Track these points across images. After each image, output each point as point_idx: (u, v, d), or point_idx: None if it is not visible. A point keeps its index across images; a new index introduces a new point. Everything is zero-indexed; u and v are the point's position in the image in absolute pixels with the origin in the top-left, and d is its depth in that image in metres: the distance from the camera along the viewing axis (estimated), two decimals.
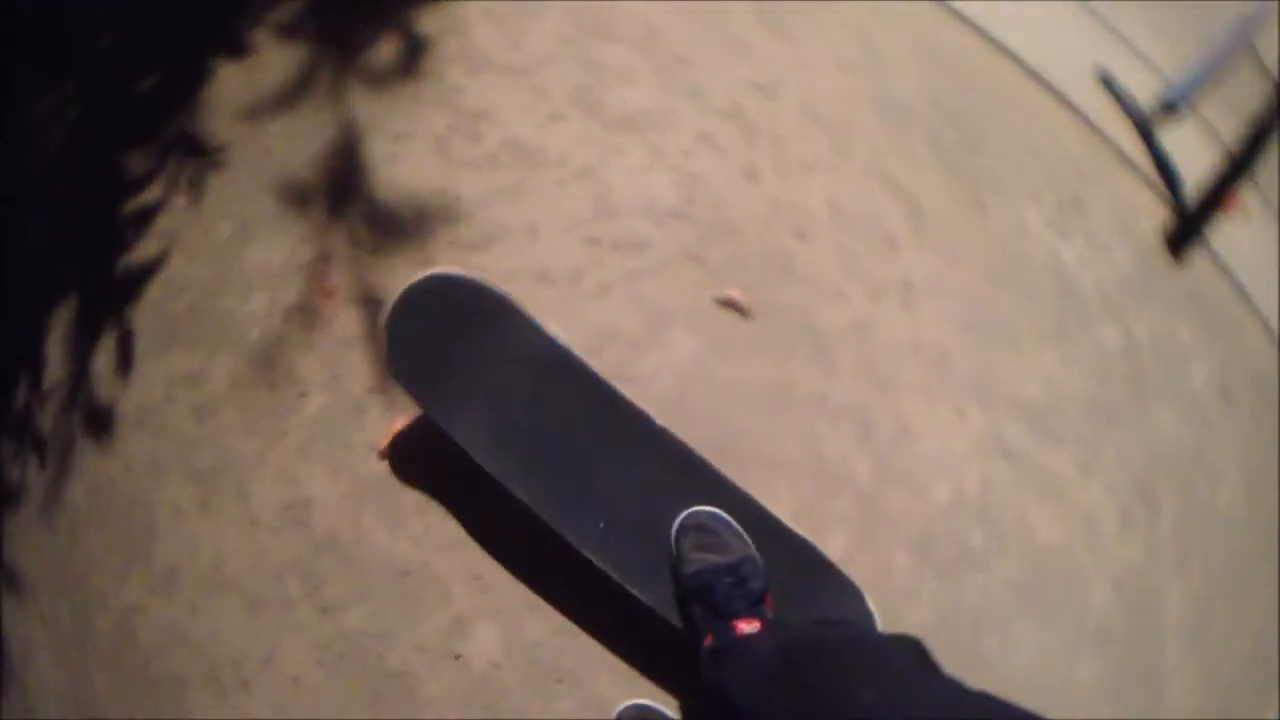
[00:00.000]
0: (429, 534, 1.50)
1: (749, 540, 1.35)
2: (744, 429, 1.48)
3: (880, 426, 1.48)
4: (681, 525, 1.35)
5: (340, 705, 1.57)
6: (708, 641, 1.28)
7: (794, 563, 1.37)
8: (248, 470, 1.58)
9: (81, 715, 1.76)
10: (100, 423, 1.70)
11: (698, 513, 1.36)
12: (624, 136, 1.55)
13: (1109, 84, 1.62)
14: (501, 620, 1.48)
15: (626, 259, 1.52)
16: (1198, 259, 1.58)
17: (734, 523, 1.35)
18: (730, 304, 1.51)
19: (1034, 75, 1.62)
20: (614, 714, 1.39)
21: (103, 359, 1.67)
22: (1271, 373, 1.60)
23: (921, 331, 1.52)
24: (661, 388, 1.48)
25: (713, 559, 1.32)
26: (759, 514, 1.37)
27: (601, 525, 1.36)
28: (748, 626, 1.25)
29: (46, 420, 1.76)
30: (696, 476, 1.38)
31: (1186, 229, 1.57)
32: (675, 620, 1.35)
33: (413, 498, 1.51)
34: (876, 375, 1.50)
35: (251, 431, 1.57)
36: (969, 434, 1.48)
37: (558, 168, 1.55)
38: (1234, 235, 1.59)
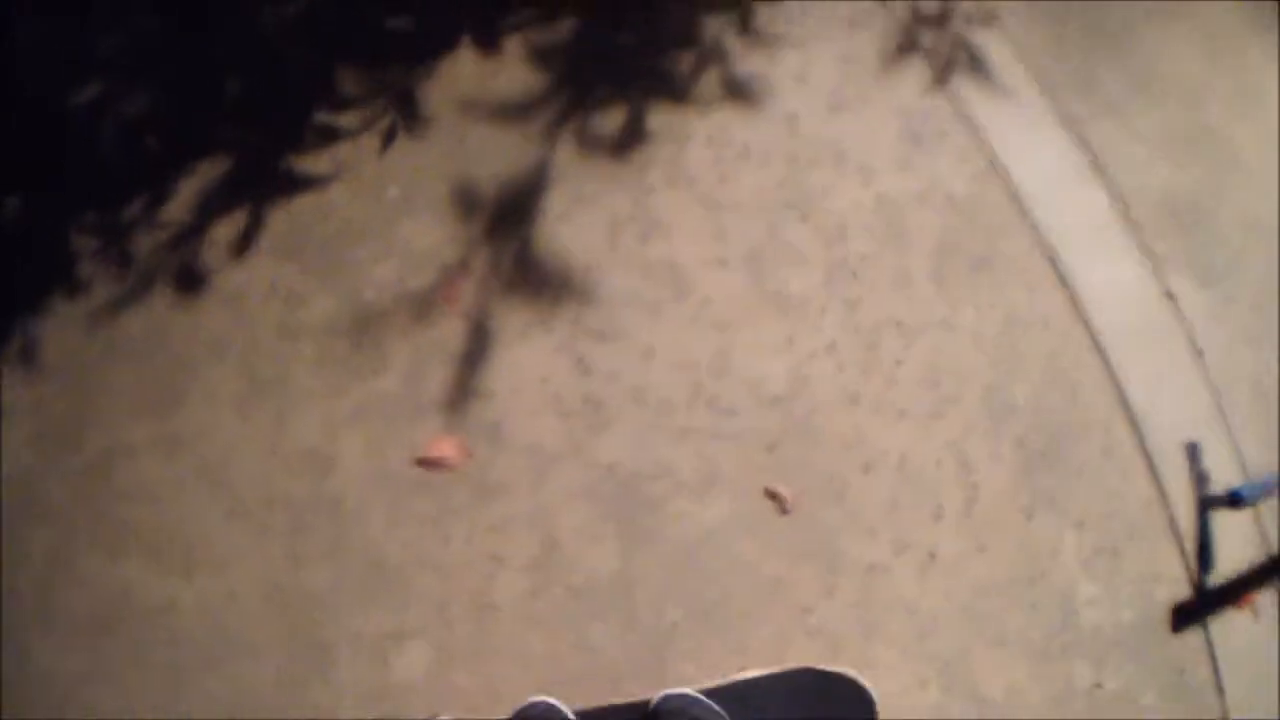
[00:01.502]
0: (419, 547, 1.58)
1: None
2: (730, 602, 1.58)
3: (844, 660, 1.57)
4: (657, 711, 1.34)
5: (253, 646, 1.64)
6: None
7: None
8: (296, 402, 1.66)
9: (20, 499, 1.81)
10: (192, 278, 1.77)
11: (672, 697, 1.36)
12: (769, 312, 1.65)
13: (1193, 456, 1.70)
14: (441, 657, 1.56)
15: (714, 416, 1.61)
16: (1192, 637, 1.66)
17: (715, 708, 1.37)
18: (775, 497, 1.61)
19: (1133, 421, 1.71)
20: (513, 711, 1.43)
21: (226, 229, 1.75)
22: None
23: (923, 598, 1.61)
24: (681, 533, 1.58)
25: None
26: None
27: None
28: None
29: (144, 243, 1.83)
30: None
31: (1197, 609, 1.65)
32: None
33: (423, 512, 1.59)
34: (864, 617, 1.59)
35: (318, 373, 1.66)
36: (920, 702, 1.57)
37: (699, 307, 1.65)
38: (1235, 629, 1.68)
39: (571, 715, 1.41)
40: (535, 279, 1.67)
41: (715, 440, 1.63)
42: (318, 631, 1.63)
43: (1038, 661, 1.64)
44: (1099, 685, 1.64)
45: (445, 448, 1.58)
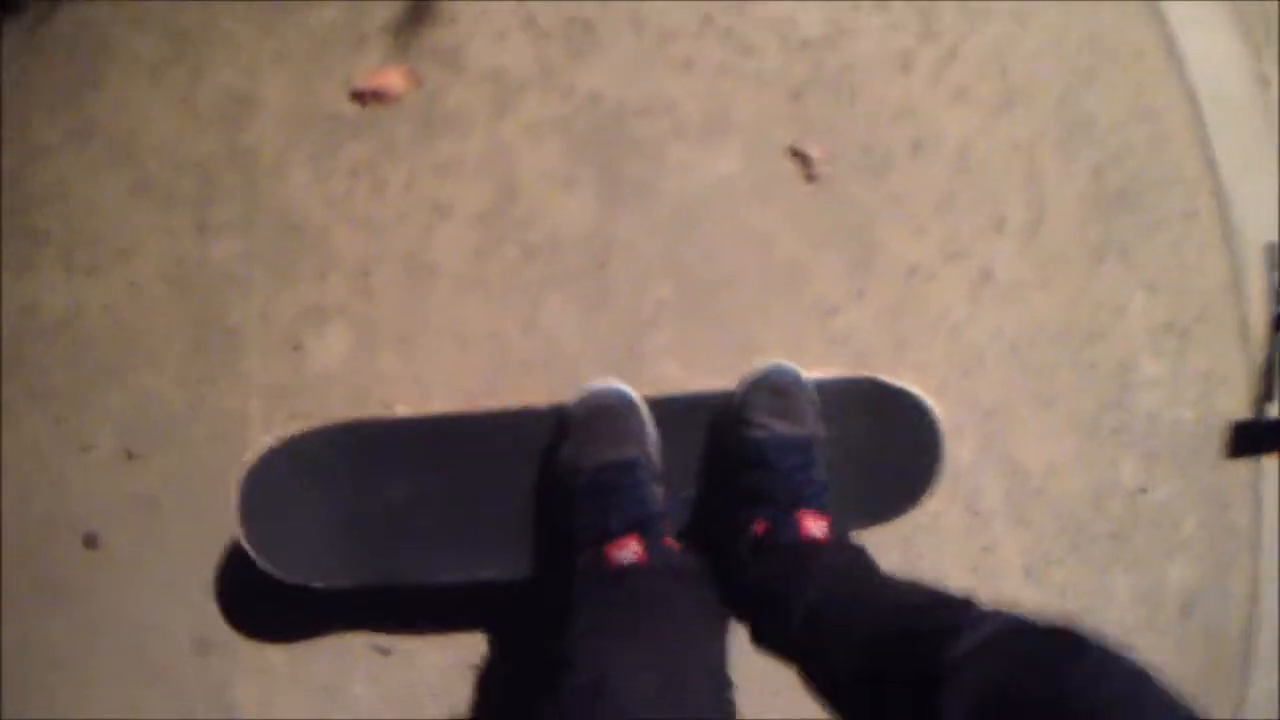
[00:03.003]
0: (346, 203, 1.25)
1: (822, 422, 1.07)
2: (734, 286, 1.20)
3: (864, 369, 1.17)
4: (757, 383, 1.05)
5: (160, 331, 1.33)
6: (758, 530, 0.98)
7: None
8: (215, 52, 1.36)
9: None
10: None
11: (783, 371, 1.06)
12: None
13: (1272, 262, 1.34)
14: (358, 333, 1.22)
15: (730, 52, 1.25)
16: (1242, 471, 1.27)
17: (813, 393, 1.06)
18: (802, 158, 1.23)
19: (1219, 194, 1.34)
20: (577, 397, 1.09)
21: None
22: (1235, 619, 1.28)
23: (971, 324, 1.22)
24: (678, 188, 1.20)
25: (782, 428, 1.02)
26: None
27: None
28: (814, 526, 0.96)
29: None
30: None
31: (1253, 439, 1.32)
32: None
33: (354, 157, 1.26)
34: (898, 331, 1.20)
35: (248, 18, 1.36)
36: (951, 456, 1.16)
37: None
38: None
39: (642, 405, 1.07)
40: None
41: (728, 77, 1.26)
42: (225, 316, 1.31)
43: (1085, 438, 1.25)
44: (1144, 490, 1.26)
45: (388, 77, 1.25)
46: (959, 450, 1.21)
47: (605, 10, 1.29)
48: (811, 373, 1.09)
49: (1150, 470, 1.29)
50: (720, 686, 0.83)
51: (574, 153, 1.23)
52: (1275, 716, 1.28)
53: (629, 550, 0.94)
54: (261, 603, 1.23)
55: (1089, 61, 1.33)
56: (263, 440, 1.15)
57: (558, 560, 1.05)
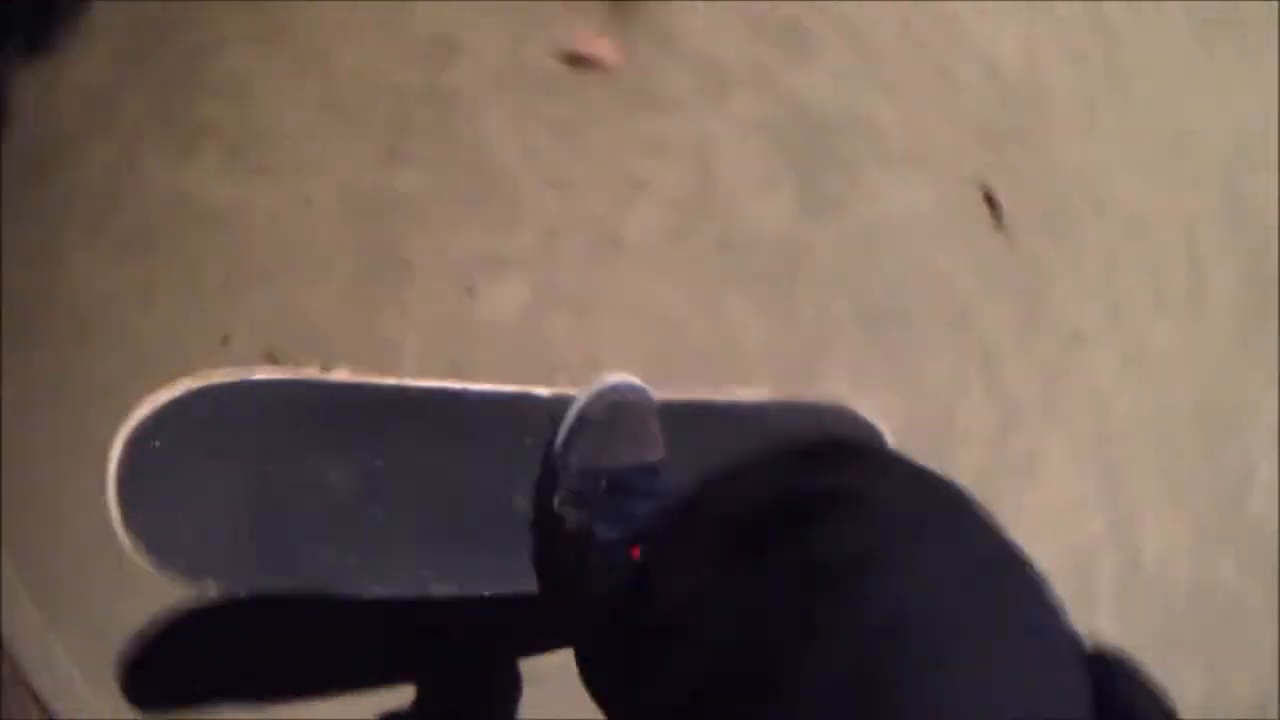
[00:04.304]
0: (543, 160, 1.27)
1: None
2: (908, 316, 1.23)
3: (1013, 435, 1.20)
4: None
5: (326, 246, 1.35)
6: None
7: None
8: None
9: (89, 118, 1.57)
10: None
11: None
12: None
13: None
14: (535, 290, 1.24)
15: (935, 80, 1.27)
16: None
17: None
18: (993, 204, 1.26)
19: None
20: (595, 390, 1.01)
21: None
22: None
23: (1119, 396, 1.26)
24: (870, 211, 1.24)
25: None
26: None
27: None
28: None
29: None
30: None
31: None
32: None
33: (557, 116, 1.27)
34: (1049, 390, 1.24)
35: None
36: (1069, 521, 1.20)
37: None
38: None
39: (657, 404, 1.00)
40: None
41: (930, 108, 1.28)
42: (402, 244, 1.32)
43: (1198, 530, 1.28)
44: (1236, 595, 1.28)
45: (601, 45, 1.26)
46: (1087, 521, 1.25)
47: (823, 19, 1.31)
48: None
49: (1245, 575, 1.33)
50: None
51: (778, 156, 1.26)
52: None
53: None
54: None
55: (1262, 148, 1.36)
56: (164, 392, 0.93)
57: (557, 567, 0.93)
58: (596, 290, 1.23)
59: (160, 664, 1.52)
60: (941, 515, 0.51)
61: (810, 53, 1.29)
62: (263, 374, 0.96)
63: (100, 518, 1.68)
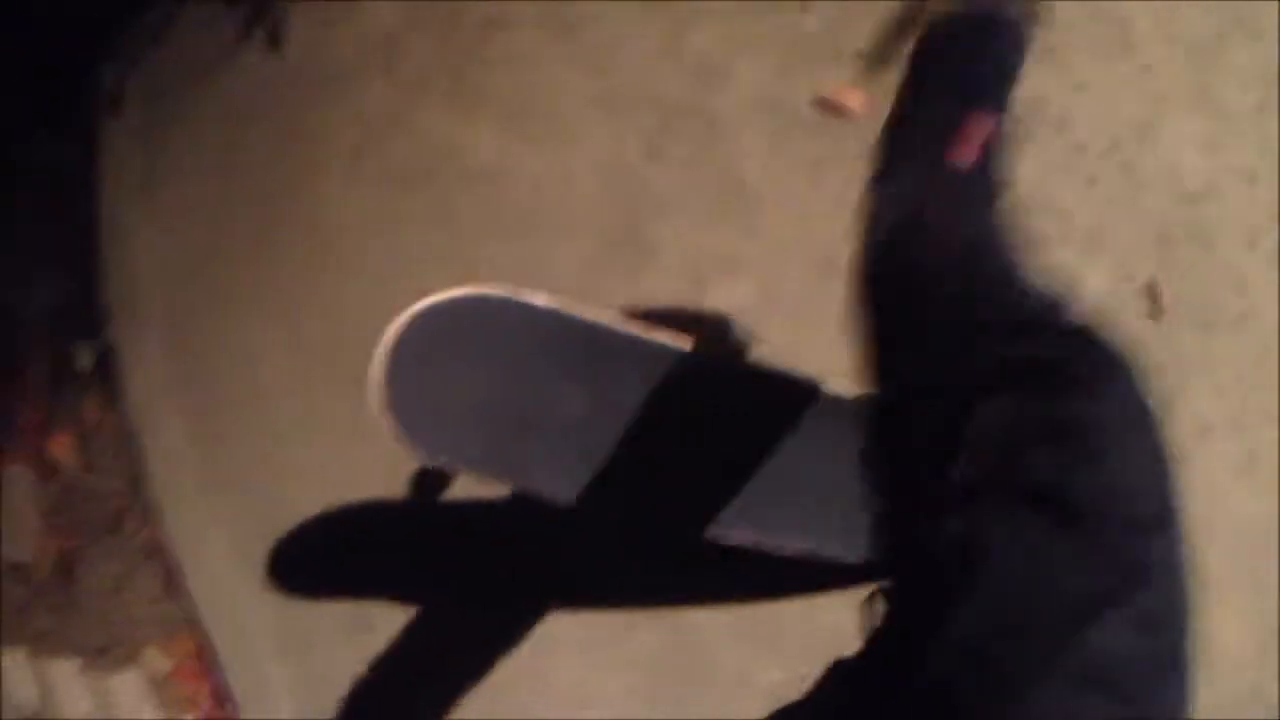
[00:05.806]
0: (785, 181, 1.50)
1: None
2: None
3: None
4: None
5: (571, 227, 1.59)
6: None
7: None
8: (703, 15, 1.58)
9: (375, 58, 1.81)
10: None
11: None
12: (1203, 107, 1.51)
13: None
14: (762, 296, 1.48)
15: (1123, 179, 1.49)
16: None
17: None
18: (1154, 296, 1.47)
19: None
20: None
21: None
22: None
23: (1225, 495, 1.45)
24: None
25: None
26: None
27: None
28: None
29: None
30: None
31: None
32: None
33: (805, 150, 1.51)
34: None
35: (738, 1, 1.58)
36: None
37: (1139, 72, 1.52)
38: None
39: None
40: None
41: (1116, 205, 1.50)
42: (646, 229, 1.57)
43: (1261, 640, 1.46)
44: None
45: (851, 95, 1.49)
46: None
47: (1036, 102, 1.53)
48: None
49: None
50: None
51: None
52: None
53: None
54: None
55: None
56: (450, 291, 1.11)
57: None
58: (815, 310, 1.47)
59: (313, 552, 1.78)
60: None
61: (1023, 139, 1.51)
62: (532, 298, 1.17)
63: (301, 405, 1.95)
